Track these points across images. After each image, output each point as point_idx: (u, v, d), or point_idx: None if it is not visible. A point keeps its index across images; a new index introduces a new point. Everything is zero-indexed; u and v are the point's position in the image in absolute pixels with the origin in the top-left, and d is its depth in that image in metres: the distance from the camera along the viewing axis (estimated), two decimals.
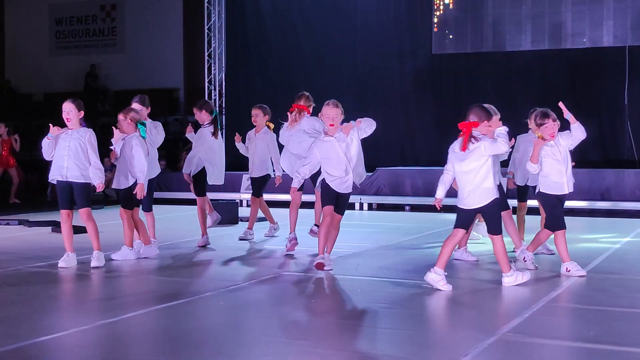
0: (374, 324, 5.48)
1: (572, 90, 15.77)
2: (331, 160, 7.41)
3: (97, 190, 7.72)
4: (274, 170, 9.88)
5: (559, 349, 4.70)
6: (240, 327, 5.31)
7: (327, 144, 7.45)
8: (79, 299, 6.58)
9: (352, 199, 15.26)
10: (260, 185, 9.82)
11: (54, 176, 7.68)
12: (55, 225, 11.19)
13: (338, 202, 7.48)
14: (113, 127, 8.08)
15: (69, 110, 7.62)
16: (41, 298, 6.33)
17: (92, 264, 7.61)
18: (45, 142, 7.64)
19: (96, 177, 7.61)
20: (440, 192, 6.76)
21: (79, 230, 10.44)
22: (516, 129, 17.22)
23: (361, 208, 14.94)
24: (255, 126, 9.83)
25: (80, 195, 7.63)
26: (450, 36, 16.73)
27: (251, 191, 9.99)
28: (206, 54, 18.02)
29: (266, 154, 9.73)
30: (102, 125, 21.15)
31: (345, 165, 7.40)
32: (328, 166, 7.44)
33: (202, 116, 9.35)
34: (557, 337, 4.95)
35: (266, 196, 10.32)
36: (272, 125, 9.78)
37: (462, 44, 16.63)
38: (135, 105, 8.65)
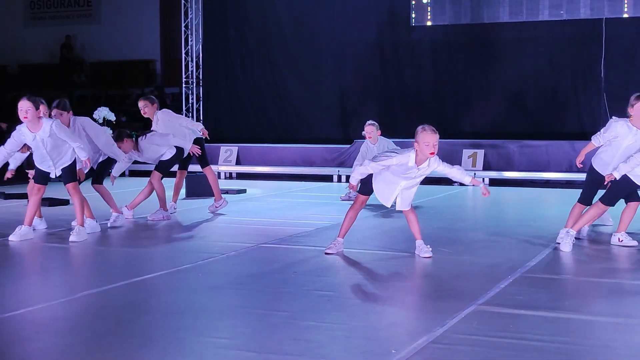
0: (352, 295, 5.51)
1: (549, 63, 15.83)
2: (391, 185, 6.72)
3: (85, 166, 7.71)
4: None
5: (535, 319, 4.75)
6: (219, 299, 5.32)
7: (405, 170, 6.62)
8: (59, 272, 6.55)
9: (331, 170, 15.38)
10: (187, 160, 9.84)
11: (43, 168, 7.60)
12: None
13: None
14: None
15: (27, 109, 7.27)
16: (19, 270, 6.31)
17: (71, 238, 7.56)
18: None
19: (81, 154, 7.54)
20: None
21: (58, 202, 10.40)
22: (497, 100, 17.18)
23: (339, 180, 14.97)
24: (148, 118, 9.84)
25: (66, 174, 7.61)
26: (429, 8, 16.68)
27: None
28: (183, 25, 17.86)
29: (178, 130, 9.64)
30: (78, 97, 20.97)
31: (394, 198, 6.76)
32: (382, 186, 6.77)
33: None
34: (533, 308, 5.00)
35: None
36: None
37: (441, 16, 16.59)
38: (54, 112, 8.17)
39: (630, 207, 7.27)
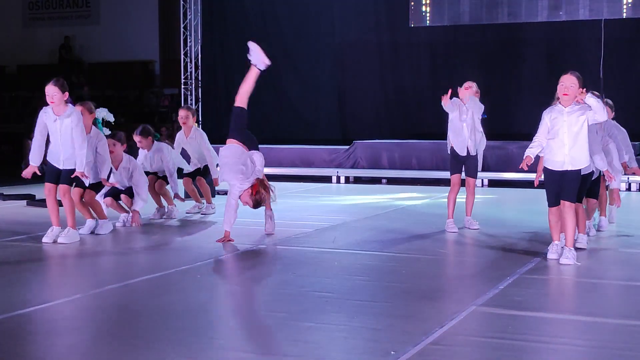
0: (351, 297, 5.50)
1: (548, 64, 15.83)
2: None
3: (74, 175, 7.44)
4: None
5: (534, 320, 4.75)
6: (219, 299, 5.31)
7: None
8: (59, 273, 6.55)
9: (329, 171, 15.36)
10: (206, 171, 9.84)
11: (51, 161, 7.51)
12: (30, 199, 11.11)
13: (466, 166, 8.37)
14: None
15: (53, 94, 7.34)
16: (19, 271, 6.30)
17: (59, 239, 7.45)
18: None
19: (79, 164, 7.40)
20: None
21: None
22: (496, 101, 17.20)
23: (338, 181, 14.96)
24: (182, 128, 9.87)
25: (65, 174, 7.47)
26: (428, 9, 16.70)
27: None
28: (182, 25, 17.85)
29: (201, 153, 9.72)
30: (76, 98, 20.94)
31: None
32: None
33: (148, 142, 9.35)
34: (532, 309, 5.00)
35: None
36: (196, 125, 9.78)
37: (439, 17, 16.61)
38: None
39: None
